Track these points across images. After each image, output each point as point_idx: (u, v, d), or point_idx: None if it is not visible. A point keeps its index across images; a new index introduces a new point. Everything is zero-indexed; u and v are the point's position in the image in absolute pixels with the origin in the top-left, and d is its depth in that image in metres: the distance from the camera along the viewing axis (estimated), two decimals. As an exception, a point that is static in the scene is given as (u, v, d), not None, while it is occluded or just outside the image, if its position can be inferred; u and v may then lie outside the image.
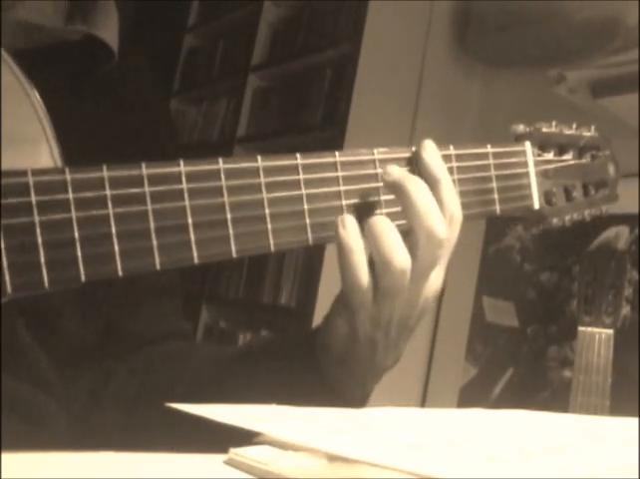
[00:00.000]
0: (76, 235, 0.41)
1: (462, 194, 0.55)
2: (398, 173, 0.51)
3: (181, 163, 0.45)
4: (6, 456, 0.28)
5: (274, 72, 2.60)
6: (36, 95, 0.47)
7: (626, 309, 1.29)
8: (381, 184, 0.52)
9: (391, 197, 0.51)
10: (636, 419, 0.48)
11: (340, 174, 0.50)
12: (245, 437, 0.35)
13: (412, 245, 0.50)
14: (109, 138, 0.63)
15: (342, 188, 0.50)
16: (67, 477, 0.29)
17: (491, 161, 0.58)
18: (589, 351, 1.26)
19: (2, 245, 0.39)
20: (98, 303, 0.61)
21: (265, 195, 0.47)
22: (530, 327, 1.96)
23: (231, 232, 0.46)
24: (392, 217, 0.50)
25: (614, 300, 1.29)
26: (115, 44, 0.66)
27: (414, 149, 0.53)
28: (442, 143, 0.55)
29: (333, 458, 0.32)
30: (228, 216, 0.46)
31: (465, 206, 0.54)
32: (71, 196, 0.41)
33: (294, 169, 0.49)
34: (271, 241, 0.48)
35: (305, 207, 0.49)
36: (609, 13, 1.73)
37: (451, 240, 0.53)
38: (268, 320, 2.36)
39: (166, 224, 0.44)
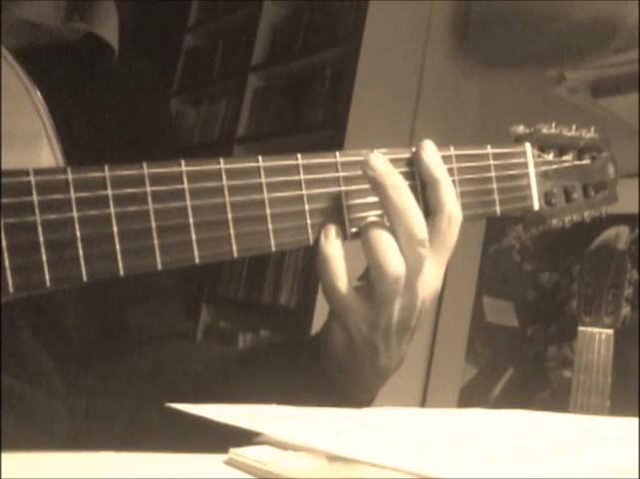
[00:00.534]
0: (77, 234, 0.41)
1: (461, 194, 0.55)
2: (380, 167, 0.50)
3: (183, 162, 0.45)
4: (6, 456, 0.28)
5: (274, 72, 2.60)
6: (37, 94, 0.47)
7: (626, 309, 1.29)
8: None
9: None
10: (636, 419, 0.48)
11: (341, 174, 0.50)
12: (245, 437, 0.35)
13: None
14: (110, 137, 0.64)
15: (343, 188, 0.50)
16: (67, 477, 0.29)
17: (491, 162, 0.58)
18: (589, 351, 1.26)
19: (3, 245, 0.39)
20: (98, 303, 0.61)
21: (266, 195, 0.47)
22: (530, 327, 1.96)
23: (232, 231, 0.46)
24: None
25: (614, 300, 1.29)
26: (115, 42, 0.66)
27: (413, 149, 0.53)
28: (442, 143, 0.55)
29: (333, 458, 0.32)
30: (229, 216, 0.46)
31: (464, 206, 0.54)
32: (72, 195, 0.41)
33: (295, 169, 0.49)
34: (272, 242, 0.48)
35: (306, 207, 0.49)
36: (609, 13, 1.73)
37: (450, 241, 0.52)
38: (268, 320, 2.36)
39: (168, 223, 0.44)
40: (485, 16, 2.06)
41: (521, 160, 0.60)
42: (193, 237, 0.45)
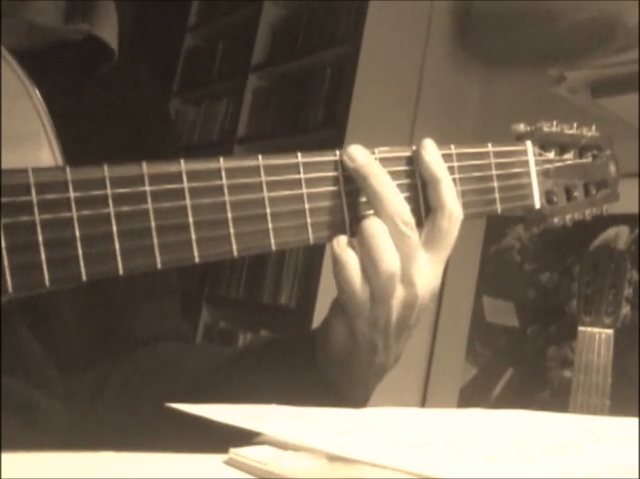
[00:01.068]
0: (77, 233, 0.41)
1: (462, 193, 0.55)
2: (361, 158, 0.50)
3: (182, 162, 0.45)
4: (6, 456, 0.28)
5: (274, 72, 2.60)
6: (37, 94, 0.46)
7: (626, 309, 1.29)
8: None
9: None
10: (636, 419, 0.48)
11: (341, 173, 0.50)
12: (245, 437, 0.35)
13: None
14: (109, 137, 0.64)
15: (343, 187, 0.50)
16: (67, 477, 0.29)
17: (492, 160, 0.58)
18: (589, 351, 1.26)
19: (2, 245, 0.39)
20: (97, 303, 0.61)
21: (266, 193, 0.47)
22: (530, 327, 1.96)
23: (232, 231, 0.46)
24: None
25: (614, 300, 1.29)
26: (115, 43, 0.66)
27: (414, 148, 0.53)
28: (442, 143, 0.55)
29: (333, 458, 0.32)
30: (229, 215, 0.46)
31: (465, 205, 0.54)
32: (72, 194, 0.41)
33: (295, 167, 0.49)
34: (272, 241, 0.48)
35: (306, 206, 0.49)
36: (609, 13, 1.74)
37: (450, 240, 0.52)
38: (268, 320, 2.36)
39: (167, 223, 0.44)
40: (485, 16, 2.06)
41: (522, 158, 0.60)
42: (193, 236, 0.44)
